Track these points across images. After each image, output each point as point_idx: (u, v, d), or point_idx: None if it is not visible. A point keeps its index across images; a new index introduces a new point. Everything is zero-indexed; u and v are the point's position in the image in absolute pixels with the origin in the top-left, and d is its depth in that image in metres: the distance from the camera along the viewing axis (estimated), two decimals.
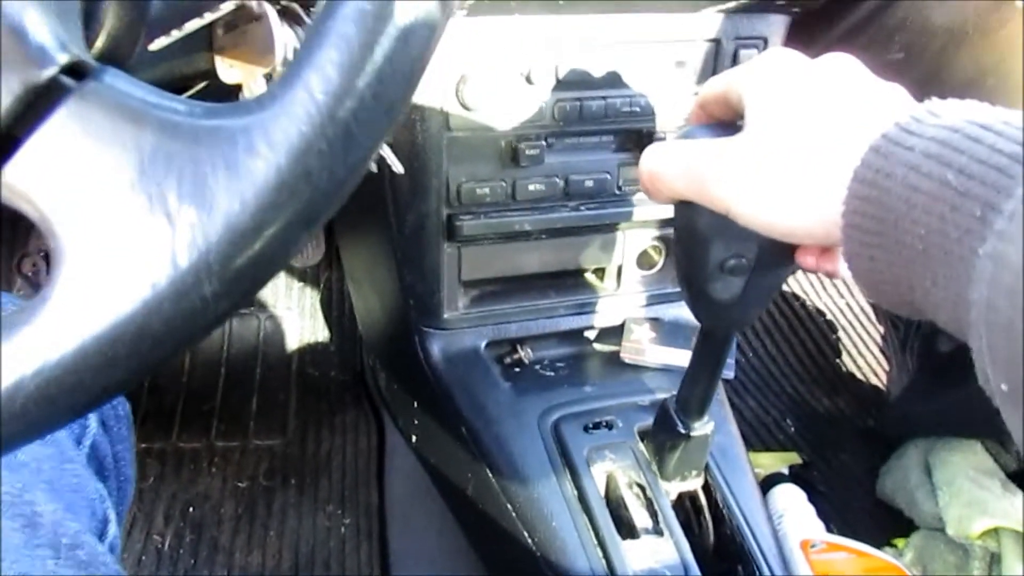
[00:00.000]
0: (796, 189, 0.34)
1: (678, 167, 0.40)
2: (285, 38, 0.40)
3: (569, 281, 0.77)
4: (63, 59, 0.21)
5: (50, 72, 0.21)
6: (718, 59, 0.68)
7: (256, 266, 0.22)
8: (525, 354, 0.75)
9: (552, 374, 0.74)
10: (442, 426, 0.75)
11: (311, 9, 0.42)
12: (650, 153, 0.42)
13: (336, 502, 1.01)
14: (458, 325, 0.73)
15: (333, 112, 0.22)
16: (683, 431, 0.59)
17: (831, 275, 0.39)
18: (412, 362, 0.75)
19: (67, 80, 0.21)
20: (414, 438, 0.82)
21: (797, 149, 0.34)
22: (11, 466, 0.41)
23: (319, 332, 1.23)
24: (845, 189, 0.31)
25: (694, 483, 0.64)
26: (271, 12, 0.40)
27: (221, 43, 0.41)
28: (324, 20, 0.22)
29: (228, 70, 0.41)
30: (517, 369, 0.74)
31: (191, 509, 1.00)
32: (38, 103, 0.21)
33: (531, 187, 0.67)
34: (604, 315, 0.77)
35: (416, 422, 0.81)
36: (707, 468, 0.64)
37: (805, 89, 0.36)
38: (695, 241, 0.44)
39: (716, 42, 0.68)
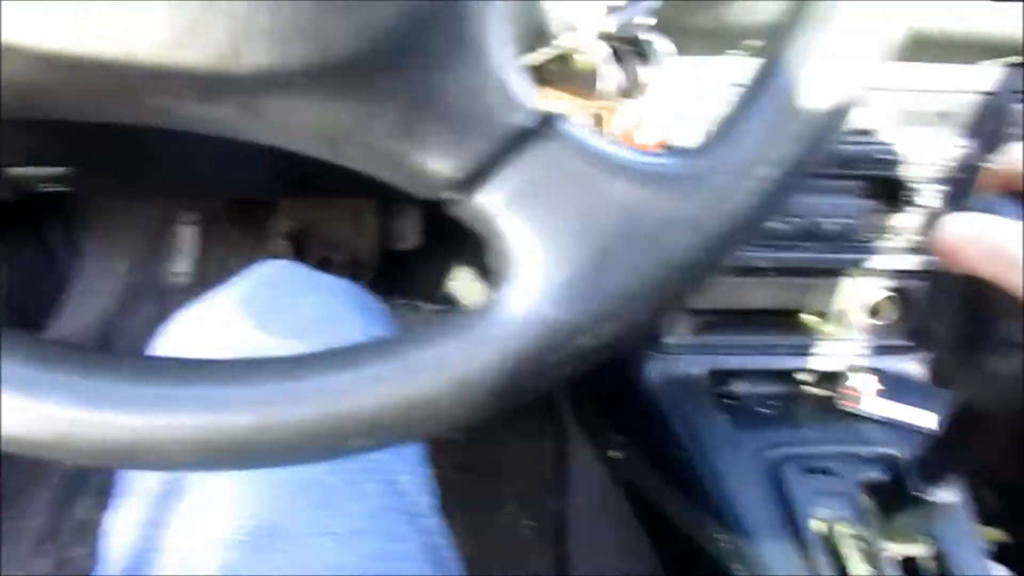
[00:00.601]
0: None
1: (985, 247, 0.38)
2: (610, 76, 0.43)
3: (790, 321, 0.76)
4: (533, 107, 0.25)
5: (524, 118, 0.25)
6: (986, 112, 0.66)
7: (671, 297, 0.25)
8: (740, 388, 0.75)
9: (767, 411, 0.74)
10: (650, 448, 0.76)
11: (634, 48, 0.45)
12: (954, 224, 0.40)
13: (516, 504, 1.04)
14: (677, 351, 0.74)
15: (759, 169, 0.24)
16: (920, 494, 0.57)
17: None
18: (622, 381, 0.78)
19: (535, 126, 0.25)
20: (613, 454, 0.84)
21: None
22: None
23: None
24: None
25: (919, 548, 0.62)
26: (601, 50, 0.43)
27: (549, 75, 0.45)
28: (761, 86, 0.24)
29: (553, 101, 0.45)
30: (731, 401, 0.75)
31: None
32: (512, 144, 0.25)
33: (773, 225, 0.68)
34: (823, 359, 0.76)
35: (619, 439, 0.83)
36: (935, 536, 0.62)
37: None
38: (983, 311, 0.43)
39: (985, 95, 0.65)
